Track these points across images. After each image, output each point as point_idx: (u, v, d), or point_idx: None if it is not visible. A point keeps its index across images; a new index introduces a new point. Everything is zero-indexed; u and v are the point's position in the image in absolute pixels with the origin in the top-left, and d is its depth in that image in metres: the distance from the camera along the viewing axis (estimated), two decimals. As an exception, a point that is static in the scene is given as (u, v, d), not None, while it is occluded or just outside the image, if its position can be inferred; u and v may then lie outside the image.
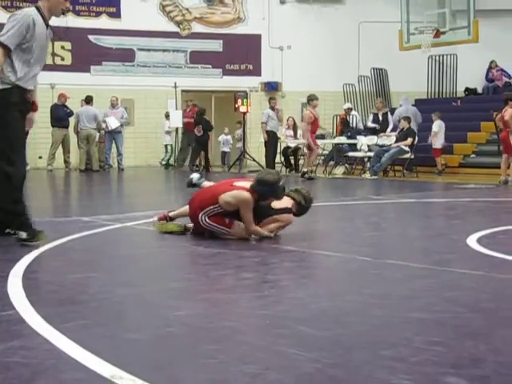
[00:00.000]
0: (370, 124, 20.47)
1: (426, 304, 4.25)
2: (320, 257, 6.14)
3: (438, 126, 18.79)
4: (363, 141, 19.51)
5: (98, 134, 21.38)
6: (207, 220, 6.63)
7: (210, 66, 23.91)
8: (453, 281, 4.98)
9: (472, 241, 6.70)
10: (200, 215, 6.64)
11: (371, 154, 18.75)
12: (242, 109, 21.31)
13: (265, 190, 6.59)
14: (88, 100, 21.08)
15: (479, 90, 24.00)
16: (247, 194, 6.54)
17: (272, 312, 4.04)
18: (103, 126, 21.42)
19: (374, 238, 7.27)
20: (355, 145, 19.63)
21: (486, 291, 4.72)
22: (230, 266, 5.48)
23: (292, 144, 20.71)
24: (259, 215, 6.71)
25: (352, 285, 4.87)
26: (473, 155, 19.57)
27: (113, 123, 21.26)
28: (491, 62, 23.26)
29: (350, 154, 19.66)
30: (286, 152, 20.87)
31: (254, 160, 21.43)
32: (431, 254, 6.18)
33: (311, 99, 17.41)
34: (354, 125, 20.94)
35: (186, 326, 3.75)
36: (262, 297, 4.48)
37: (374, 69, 24.44)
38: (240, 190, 6.60)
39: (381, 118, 20.04)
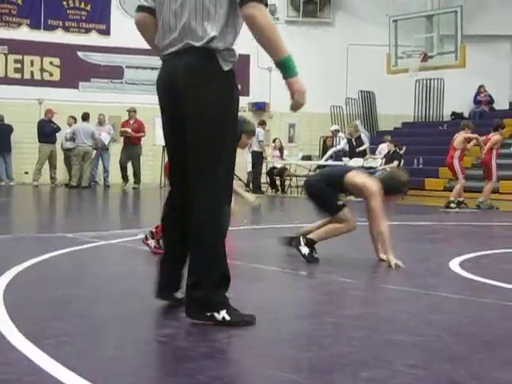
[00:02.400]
0: (339, 147, 20.56)
1: (405, 327, 4.27)
2: (300, 278, 6.15)
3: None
4: (349, 163, 19.56)
5: (94, 152, 21.37)
6: None
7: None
8: (434, 304, 5.01)
9: (455, 264, 6.73)
10: None
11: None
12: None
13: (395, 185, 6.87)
14: (85, 117, 21.07)
15: (466, 115, 24.16)
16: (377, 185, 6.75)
17: (251, 333, 4.04)
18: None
19: (356, 260, 7.28)
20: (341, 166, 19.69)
21: (466, 315, 4.75)
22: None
23: (278, 165, 20.78)
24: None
25: (332, 306, 4.88)
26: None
27: (105, 139, 21.26)
28: (480, 87, 23.42)
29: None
30: (272, 172, 20.92)
31: (240, 179, 21.44)
32: (414, 277, 6.20)
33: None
34: (341, 147, 21.01)
35: (166, 345, 3.76)
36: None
37: (361, 91, 24.58)
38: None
39: (354, 143, 20.13)
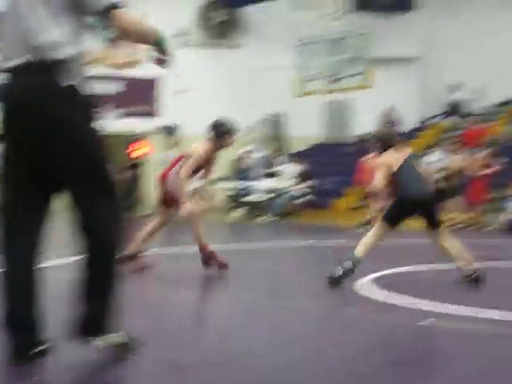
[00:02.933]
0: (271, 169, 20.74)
1: (311, 348, 4.29)
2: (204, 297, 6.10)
3: None
4: (261, 184, 19.69)
5: None
6: None
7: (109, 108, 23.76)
8: (338, 325, 5.05)
9: (362, 284, 6.79)
10: None
11: (270, 196, 18.94)
12: (139, 152, 21.26)
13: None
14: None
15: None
16: None
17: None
18: None
19: (264, 282, 7.28)
20: (253, 187, 19.80)
21: (369, 335, 4.78)
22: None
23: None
24: None
25: (239, 328, 4.86)
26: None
27: None
28: (388, 109, 23.79)
29: (249, 197, 19.79)
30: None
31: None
32: (320, 298, 6.23)
33: None
34: (252, 168, 21.10)
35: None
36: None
37: (271, 114, 24.72)
38: None
39: (274, 162, 20.37)
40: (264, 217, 18.56)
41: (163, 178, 7.92)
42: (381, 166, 6.94)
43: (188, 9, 24.57)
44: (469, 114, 22.80)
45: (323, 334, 4.68)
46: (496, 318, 5.25)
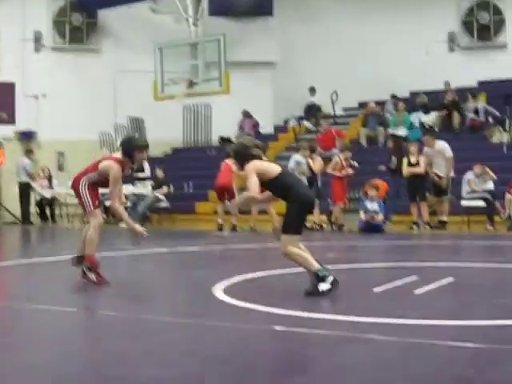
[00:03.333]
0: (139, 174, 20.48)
1: (165, 360, 4.27)
2: (61, 313, 5.94)
3: None
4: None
5: None
6: None
7: (-39, 114, 23.00)
8: (195, 333, 5.05)
9: (219, 290, 6.82)
10: None
11: (130, 202, 18.74)
12: (-4, 159, 20.68)
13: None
14: None
15: (233, 139, 24.71)
16: None
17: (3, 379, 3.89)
18: None
19: (122, 291, 7.21)
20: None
21: (226, 342, 4.82)
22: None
23: (47, 194, 20.29)
24: None
25: (92, 343, 4.81)
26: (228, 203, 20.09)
27: None
28: (243, 112, 24.03)
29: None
30: (42, 203, 20.38)
31: (9, 212, 20.74)
32: (178, 307, 6.22)
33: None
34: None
35: None
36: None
37: (130, 117, 24.51)
38: None
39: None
40: (123, 223, 18.34)
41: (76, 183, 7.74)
42: (253, 172, 6.71)
43: (44, 12, 24.01)
44: (324, 117, 23.32)
45: (172, 346, 4.65)
46: (347, 321, 5.40)
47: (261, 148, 7.08)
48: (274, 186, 6.78)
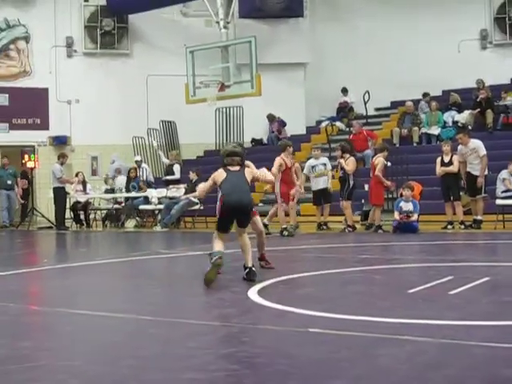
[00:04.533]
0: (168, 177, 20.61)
1: (200, 363, 4.27)
2: (98, 318, 5.98)
3: None
4: (153, 193, 19.58)
5: None
6: None
7: (-4, 121, 23.27)
8: (230, 336, 5.06)
9: (253, 293, 6.83)
10: None
11: (161, 206, 18.84)
12: (30, 164, 20.85)
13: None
14: None
15: (265, 141, 24.76)
16: None
17: (47, 382, 3.92)
18: None
19: (157, 295, 7.24)
20: (146, 197, 19.66)
21: (260, 345, 4.82)
22: (5, 334, 5.27)
23: (82, 199, 20.45)
24: None
25: (128, 348, 4.80)
26: (260, 204, 20.05)
27: None
28: (268, 116, 24.03)
29: (141, 206, 19.64)
30: (76, 207, 20.54)
31: (44, 216, 20.93)
32: (212, 309, 6.24)
33: (286, 145, 15.57)
34: (145, 177, 20.98)
35: None
36: (35, 367, 4.32)
37: (162, 121, 24.64)
38: None
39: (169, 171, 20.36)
40: (158, 226, 18.47)
41: None
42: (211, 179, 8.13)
43: (75, 18, 24.21)
44: (356, 118, 23.27)
45: (209, 350, 4.66)
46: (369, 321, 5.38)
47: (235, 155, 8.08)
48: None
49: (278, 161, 15.04)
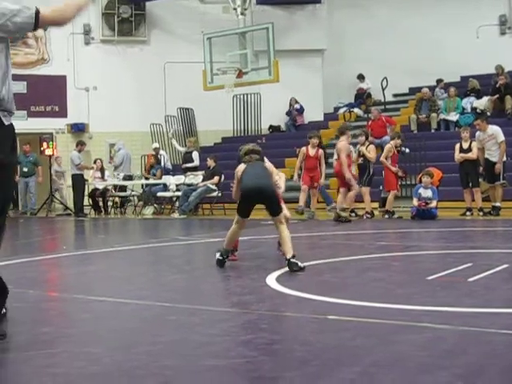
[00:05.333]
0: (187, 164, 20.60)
1: (219, 350, 4.29)
2: (116, 305, 6.01)
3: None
4: (171, 180, 19.62)
5: None
6: None
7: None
8: (248, 323, 5.06)
9: (272, 280, 6.84)
10: None
11: (179, 193, 18.87)
12: (48, 151, 20.92)
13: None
14: None
15: (282, 128, 24.76)
16: None
17: (66, 369, 3.94)
18: None
19: (176, 281, 7.26)
20: (165, 184, 19.72)
21: (279, 332, 4.84)
22: (25, 320, 5.31)
23: (100, 186, 20.52)
24: None
25: (147, 334, 4.81)
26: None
27: None
28: (290, 99, 24.06)
29: (159, 193, 19.68)
30: (94, 194, 20.62)
31: (62, 203, 21.03)
32: (230, 296, 6.25)
33: (346, 128, 15.69)
34: (163, 164, 21.04)
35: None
36: (55, 354, 4.35)
37: (180, 108, 24.66)
38: None
39: (186, 158, 20.38)
40: (176, 213, 18.50)
41: None
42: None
43: (93, 5, 24.23)
44: (374, 104, 23.19)
45: (228, 336, 4.67)
46: (386, 308, 5.37)
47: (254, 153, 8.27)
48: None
49: (344, 146, 15.02)
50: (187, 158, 20.62)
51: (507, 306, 5.46)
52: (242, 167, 8.09)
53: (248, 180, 7.92)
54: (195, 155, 20.51)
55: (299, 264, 7.49)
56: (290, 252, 7.63)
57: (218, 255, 7.99)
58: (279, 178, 8.57)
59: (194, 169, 20.00)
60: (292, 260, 7.54)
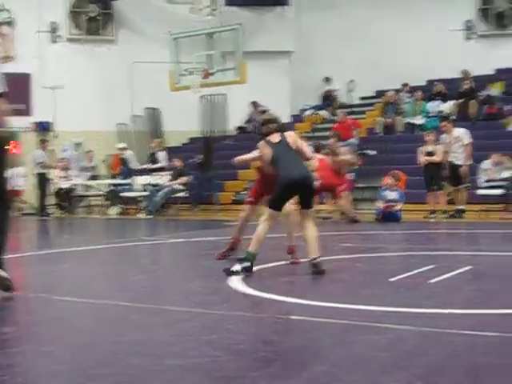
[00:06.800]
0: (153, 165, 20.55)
1: (182, 350, 4.29)
2: (80, 304, 5.99)
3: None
4: (137, 180, 19.55)
5: None
6: None
7: (-22, 106, 23.07)
8: (211, 323, 5.06)
9: (235, 280, 6.84)
10: None
11: (145, 193, 18.81)
12: (13, 150, 20.73)
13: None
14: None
15: (249, 128, 24.74)
16: None
17: (23, 369, 3.92)
18: None
19: (139, 281, 7.23)
20: (130, 184, 19.65)
21: (242, 332, 4.84)
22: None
23: (65, 185, 20.38)
24: None
25: (109, 334, 4.81)
26: (244, 192, 20.05)
27: None
28: (252, 103, 23.92)
29: (125, 193, 19.61)
30: (59, 193, 20.47)
31: (25, 202, 20.86)
32: (194, 296, 6.24)
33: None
34: (129, 164, 20.95)
35: None
36: (17, 353, 4.32)
37: (147, 108, 24.56)
38: None
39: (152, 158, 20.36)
40: (141, 213, 18.44)
41: None
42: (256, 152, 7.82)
43: (60, 3, 24.04)
44: (340, 107, 23.28)
45: (190, 336, 4.67)
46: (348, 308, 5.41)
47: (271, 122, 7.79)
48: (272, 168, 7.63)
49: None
50: (153, 159, 20.58)
51: (468, 307, 5.52)
52: (267, 149, 7.56)
53: (289, 169, 7.36)
54: (161, 156, 20.47)
55: (321, 267, 7.20)
56: (315, 252, 7.31)
57: (245, 264, 7.22)
58: (311, 160, 7.90)
59: (161, 169, 19.96)
60: (314, 261, 7.24)
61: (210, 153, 20.24)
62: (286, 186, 7.38)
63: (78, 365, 4.01)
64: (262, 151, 7.64)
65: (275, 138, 7.63)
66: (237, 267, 7.14)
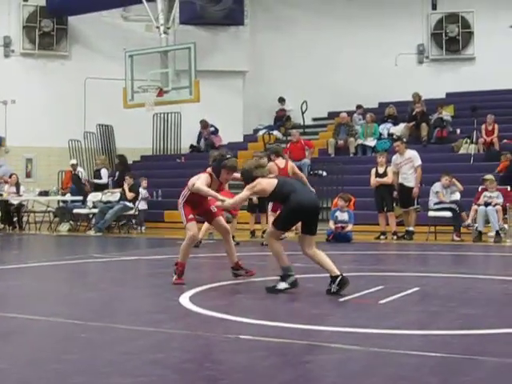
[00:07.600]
0: (96, 180, 20.48)
1: (129, 368, 4.26)
2: (27, 321, 5.90)
3: None
4: (88, 197, 19.39)
5: None
6: None
7: None
8: (159, 342, 5.03)
9: (185, 299, 6.82)
10: None
11: (96, 210, 18.66)
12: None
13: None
14: None
15: (202, 147, 24.75)
16: None
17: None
18: None
19: (89, 299, 7.17)
20: (81, 201, 19.49)
21: (190, 350, 4.82)
22: None
23: (15, 201, 20.12)
24: None
25: (55, 351, 4.76)
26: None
27: None
28: (201, 122, 23.89)
29: (75, 210, 19.43)
30: (9, 209, 20.20)
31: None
32: (143, 315, 6.20)
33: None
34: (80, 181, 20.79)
35: None
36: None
37: (99, 125, 24.42)
38: None
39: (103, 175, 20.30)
40: (92, 230, 18.28)
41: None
42: (249, 190, 7.61)
43: (14, 18, 23.86)
44: (293, 127, 23.41)
45: (136, 355, 4.63)
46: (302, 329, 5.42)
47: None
48: (273, 198, 7.93)
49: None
50: (96, 175, 20.56)
51: (416, 328, 5.56)
52: (270, 181, 7.51)
53: (303, 195, 7.50)
54: (103, 173, 20.42)
55: (348, 280, 7.30)
56: (337, 269, 7.39)
57: (290, 280, 7.38)
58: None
59: (104, 186, 19.92)
60: (342, 277, 7.29)
61: (126, 170, 20.03)
62: (298, 211, 7.40)
63: (23, 383, 3.95)
64: (263, 185, 7.51)
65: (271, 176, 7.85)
66: (283, 285, 7.34)
